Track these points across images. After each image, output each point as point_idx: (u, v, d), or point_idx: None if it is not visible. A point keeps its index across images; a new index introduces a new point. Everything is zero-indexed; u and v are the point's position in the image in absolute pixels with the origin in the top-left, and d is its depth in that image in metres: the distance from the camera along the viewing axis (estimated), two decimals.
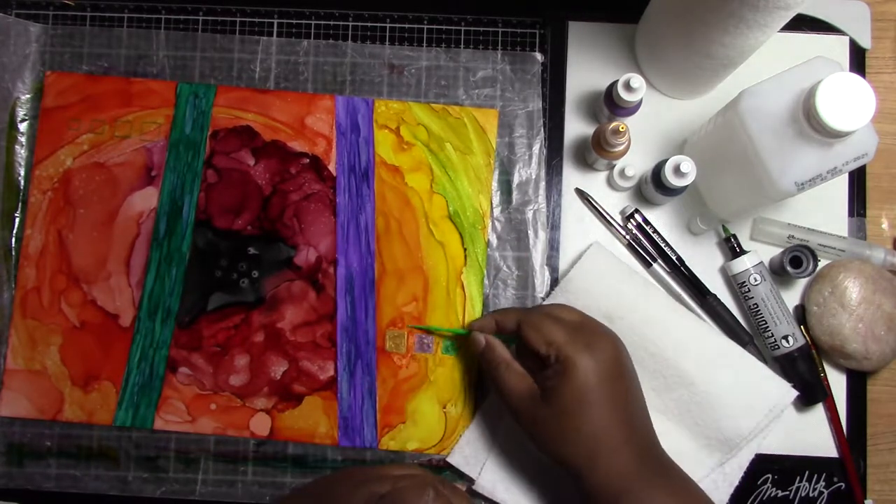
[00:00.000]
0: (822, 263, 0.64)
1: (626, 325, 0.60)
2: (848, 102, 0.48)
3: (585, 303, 0.61)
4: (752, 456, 0.62)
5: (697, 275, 0.64)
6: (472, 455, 0.62)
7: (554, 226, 0.66)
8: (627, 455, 0.51)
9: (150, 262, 0.64)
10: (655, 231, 0.65)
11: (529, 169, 0.66)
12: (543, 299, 0.64)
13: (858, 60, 0.67)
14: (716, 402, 0.60)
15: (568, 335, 0.53)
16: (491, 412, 0.63)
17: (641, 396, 0.55)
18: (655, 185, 0.61)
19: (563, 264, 0.65)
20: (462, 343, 0.63)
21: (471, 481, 0.62)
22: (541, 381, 0.54)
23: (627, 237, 0.65)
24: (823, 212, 0.65)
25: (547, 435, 0.53)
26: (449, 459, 0.62)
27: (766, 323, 0.62)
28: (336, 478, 0.60)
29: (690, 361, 0.60)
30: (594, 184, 0.66)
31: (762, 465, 0.63)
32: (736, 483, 0.61)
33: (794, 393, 0.60)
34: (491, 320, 0.59)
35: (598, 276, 0.62)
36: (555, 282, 0.64)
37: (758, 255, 0.63)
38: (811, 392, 0.62)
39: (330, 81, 0.66)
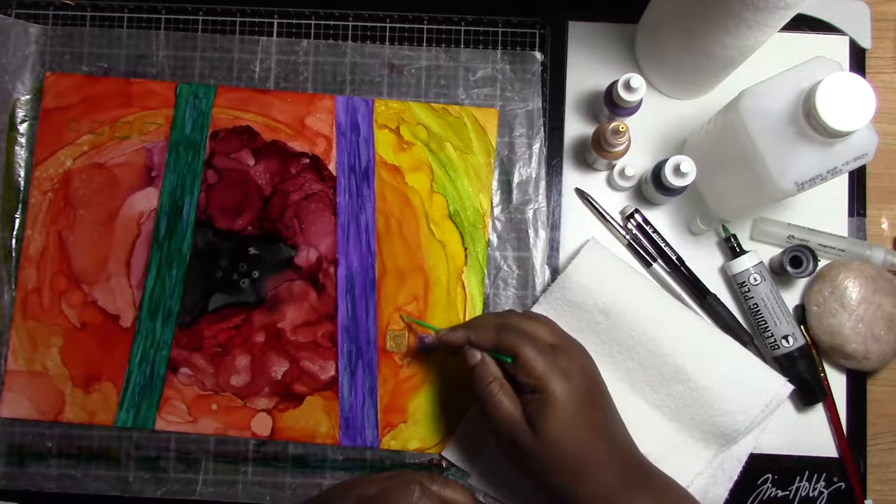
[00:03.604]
0: (822, 263, 0.64)
1: (622, 320, 0.60)
2: (848, 102, 0.48)
3: (582, 298, 0.61)
4: (750, 450, 0.62)
5: (697, 275, 0.64)
6: (467, 450, 0.63)
7: (554, 226, 0.66)
8: (610, 472, 0.52)
9: (151, 263, 0.64)
10: (655, 231, 0.65)
11: (529, 168, 0.66)
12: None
13: (858, 60, 0.67)
14: (712, 398, 0.60)
15: (545, 363, 0.52)
16: None
17: (614, 407, 0.56)
18: (655, 185, 0.61)
19: (562, 264, 0.65)
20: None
21: (466, 475, 0.62)
22: (522, 406, 0.54)
23: (627, 237, 0.65)
24: (823, 212, 0.65)
25: (531, 461, 0.53)
26: (444, 454, 0.63)
27: (766, 323, 0.62)
28: (325, 491, 0.61)
29: (686, 356, 0.60)
30: (594, 184, 0.66)
31: (762, 465, 0.63)
32: (735, 477, 0.61)
33: (790, 387, 0.60)
34: (463, 335, 0.56)
35: (595, 271, 0.62)
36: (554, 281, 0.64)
37: (758, 255, 0.63)
38: (811, 392, 0.62)
39: (330, 81, 0.66)
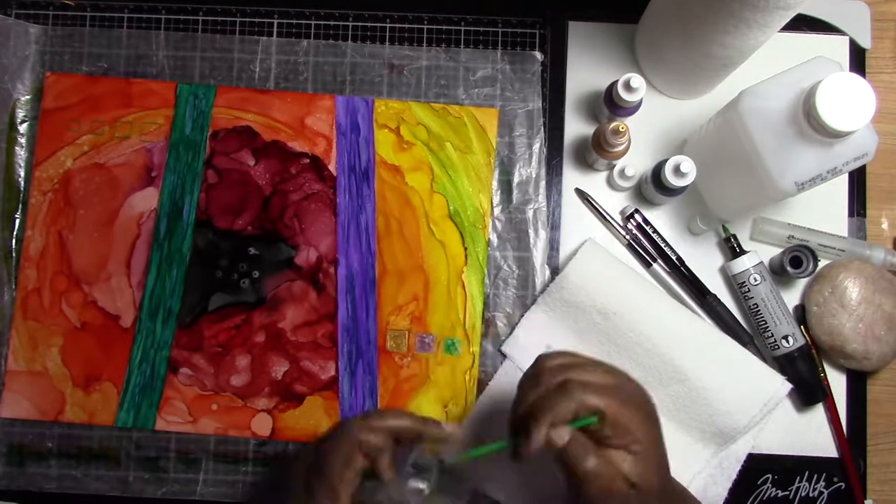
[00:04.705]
0: (822, 263, 0.64)
1: (620, 320, 0.60)
2: (848, 102, 0.48)
3: (580, 299, 0.61)
4: (748, 449, 0.62)
5: (697, 275, 0.64)
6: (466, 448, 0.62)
7: (554, 226, 0.66)
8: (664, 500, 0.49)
9: (151, 263, 0.64)
10: (655, 231, 0.65)
11: (529, 168, 0.66)
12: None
13: (858, 60, 0.67)
14: (710, 397, 0.60)
15: (627, 413, 0.46)
16: (484, 405, 0.63)
17: None
18: (655, 185, 0.61)
19: (562, 264, 0.65)
20: (463, 343, 0.64)
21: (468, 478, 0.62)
22: (616, 462, 0.48)
23: (627, 237, 0.65)
24: (823, 212, 0.65)
25: None
26: (443, 455, 0.62)
27: (766, 323, 0.62)
28: (282, 470, 0.58)
29: (685, 356, 0.60)
30: (594, 184, 0.66)
31: (762, 465, 0.63)
32: (734, 476, 0.62)
33: (789, 386, 0.60)
34: (542, 432, 0.46)
35: (594, 271, 0.62)
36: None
37: (758, 255, 0.63)
38: (811, 392, 0.62)
39: (330, 81, 0.66)
